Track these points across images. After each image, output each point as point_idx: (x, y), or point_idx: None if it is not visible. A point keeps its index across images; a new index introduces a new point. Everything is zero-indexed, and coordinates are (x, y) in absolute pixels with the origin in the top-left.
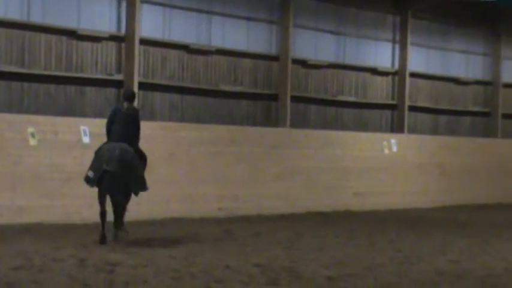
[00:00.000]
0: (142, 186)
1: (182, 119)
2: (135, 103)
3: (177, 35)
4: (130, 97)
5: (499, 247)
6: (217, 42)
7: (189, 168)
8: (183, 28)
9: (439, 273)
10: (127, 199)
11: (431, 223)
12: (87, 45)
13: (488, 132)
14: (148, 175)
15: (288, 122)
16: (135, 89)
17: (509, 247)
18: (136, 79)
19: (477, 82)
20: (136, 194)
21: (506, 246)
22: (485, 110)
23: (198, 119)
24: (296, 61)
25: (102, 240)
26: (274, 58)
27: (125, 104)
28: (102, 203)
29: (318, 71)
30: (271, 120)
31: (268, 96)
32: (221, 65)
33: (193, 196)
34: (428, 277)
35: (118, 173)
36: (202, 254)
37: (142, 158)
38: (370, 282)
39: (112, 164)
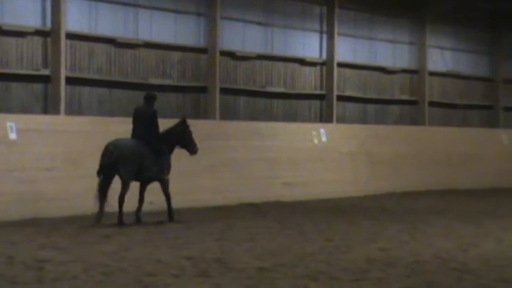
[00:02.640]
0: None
1: (111, 113)
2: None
3: (104, 29)
4: (147, 98)
5: (427, 234)
6: (144, 36)
7: None
8: (109, 22)
9: (369, 261)
10: (124, 186)
11: (361, 212)
12: (11, 40)
13: (416, 120)
14: (78, 170)
15: (218, 114)
16: (62, 83)
17: (437, 233)
18: (63, 74)
19: (404, 71)
20: (128, 178)
21: (434, 233)
22: (412, 98)
23: (126, 113)
24: (224, 53)
25: (97, 218)
26: (203, 50)
27: (143, 105)
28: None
29: (246, 63)
30: (200, 112)
31: (197, 89)
32: (149, 59)
33: None
34: (358, 265)
35: (107, 165)
36: (133, 248)
37: (159, 152)
38: (300, 271)
39: (104, 158)
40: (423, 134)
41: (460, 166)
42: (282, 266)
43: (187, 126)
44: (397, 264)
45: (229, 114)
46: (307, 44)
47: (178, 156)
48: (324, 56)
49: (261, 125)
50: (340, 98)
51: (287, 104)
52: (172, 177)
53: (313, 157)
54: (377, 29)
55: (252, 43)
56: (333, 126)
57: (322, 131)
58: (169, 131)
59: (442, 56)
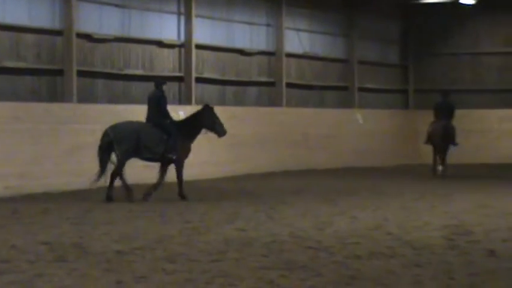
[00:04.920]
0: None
1: None
2: None
3: None
4: (156, 84)
5: (285, 213)
6: None
7: None
8: None
9: (227, 242)
10: (117, 164)
11: (221, 193)
12: None
13: (273, 101)
14: None
15: (75, 97)
16: None
17: (294, 213)
18: None
19: (261, 53)
20: (122, 158)
21: (291, 212)
22: (270, 79)
23: None
24: (81, 35)
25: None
26: (58, 32)
27: (153, 90)
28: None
29: (103, 45)
30: (57, 95)
31: (53, 72)
32: (2, 41)
33: None
34: (216, 246)
35: (103, 145)
36: None
37: (167, 132)
38: (159, 254)
39: (101, 139)
40: (281, 115)
41: (318, 146)
42: (140, 249)
43: (211, 109)
44: (255, 244)
45: (86, 97)
46: (165, 26)
47: (37, 140)
48: (182, 38)
49: (120, 107)
50: (199, 80)
51: (146, 86)
52: (28, 162)
53: None
54: (234, 11)
55: (109, 25)
56: (191, 108)
57: (181, 113)
58: (193, 116)
59: (299, 38)
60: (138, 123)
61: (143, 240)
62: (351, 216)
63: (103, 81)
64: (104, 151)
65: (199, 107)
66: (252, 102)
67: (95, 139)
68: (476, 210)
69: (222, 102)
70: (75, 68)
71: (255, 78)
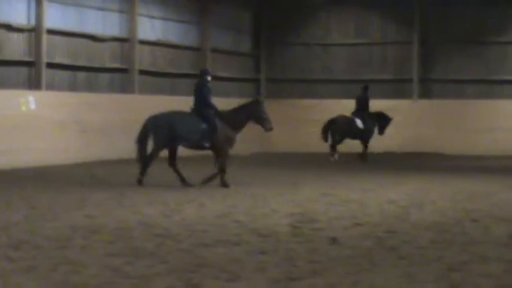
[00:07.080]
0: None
1: None
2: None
3: None
4: (201, 73)
5: (134, 200)
6: None
7: None
8: None
9: (74, 228)
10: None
11: (70, 180)
12: None
13: (126, 88)
14: None
15: None
16: None
17: (144, 200)
18: None
19: (114, 39)
20: (157, 146)
21: (141, 200)
22: (123, 66)
23: None
24: None
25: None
26: None
27: (198, 79)
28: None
29: None
30: None
31: None
32: None
33: None
34: (63, 233)
35: (141, 134)
36: None
37: (204, 119)
38: (2, 241)
39: (140, 129)
40: (133, 102)
41: None
42: None
43: (260, 104)
44: (102, 231)
45: None
46: (14, 9)
47: None
48: (33, 22)
49: None
50: (50, 65)
51: None
52: None
53: (22, 125)
54: None
55: None
56: (42, 93)
57: (31, 98)
58: (241, 107)
59: (152, 25)
60: (177, 113)
61: None
62: (200, 203)
63: None
64: (142, 139)
65: (50, 93)
66: (104, 89)
67: None
68: (321, 198)
69: (73, 88)
70: None
71: (107, 65)
